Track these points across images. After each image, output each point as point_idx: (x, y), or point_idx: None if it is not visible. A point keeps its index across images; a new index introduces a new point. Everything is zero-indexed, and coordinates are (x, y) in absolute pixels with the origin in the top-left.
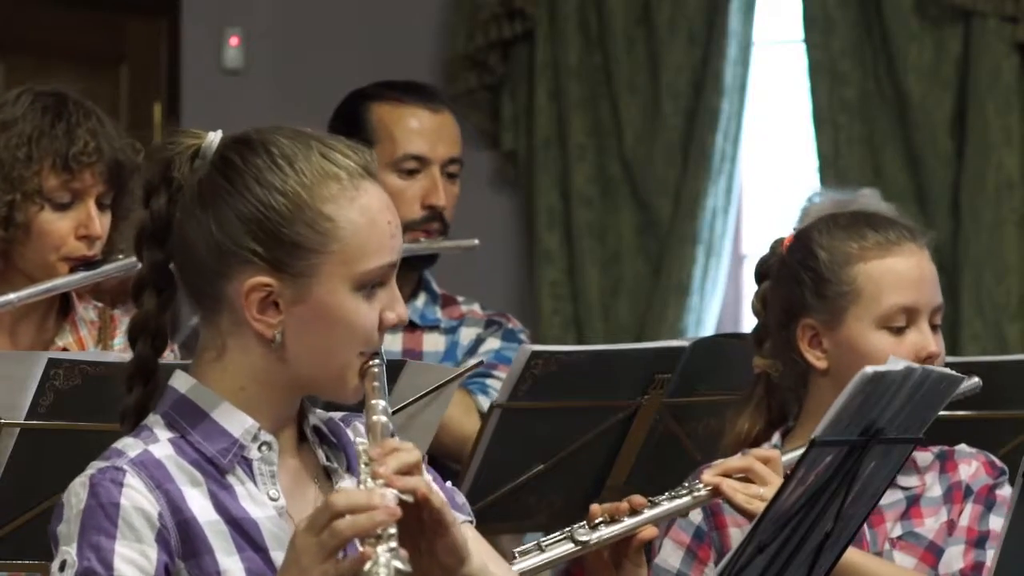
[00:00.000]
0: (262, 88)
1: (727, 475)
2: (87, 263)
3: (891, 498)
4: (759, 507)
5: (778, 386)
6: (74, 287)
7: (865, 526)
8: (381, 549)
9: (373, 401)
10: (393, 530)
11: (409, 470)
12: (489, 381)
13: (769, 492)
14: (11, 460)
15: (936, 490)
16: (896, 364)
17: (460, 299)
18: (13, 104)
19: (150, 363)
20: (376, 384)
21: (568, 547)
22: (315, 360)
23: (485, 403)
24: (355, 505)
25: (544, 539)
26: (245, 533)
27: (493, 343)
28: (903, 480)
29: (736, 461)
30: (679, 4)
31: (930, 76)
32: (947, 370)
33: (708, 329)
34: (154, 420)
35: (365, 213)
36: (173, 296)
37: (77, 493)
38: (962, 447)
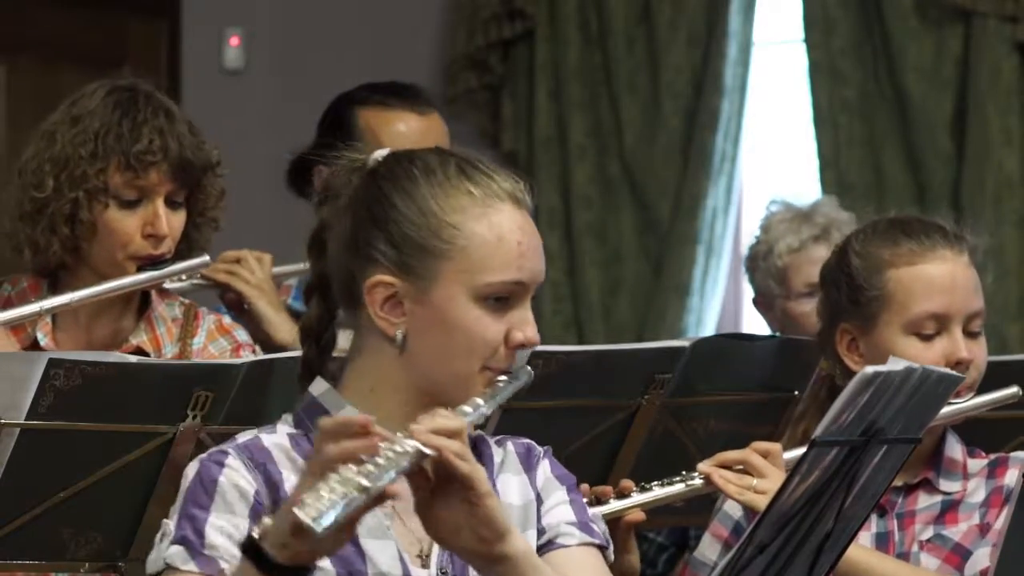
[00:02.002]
0: (262, 88)
1: (725, 466)
2: (154, 262)
3: (927, 502)
4: (751, 498)
5: (840, 388)
6: (137, 287)
7: (896, 528)
8: (344, 471)
9: (467, 407)
10: (384, 466)
11: (447, 434)
12: None
13: (765, 485)
14: (11, 460)
15: (979, 495)
16: (896, 364)
17: None
18: (89, 97)
19: (313, 365)
20: (479, 401)
21: None
22: (435, 363)
23: None
24: (343, 426)
25: None
26: None
27: None
28: (945, 485)
29: (734, 453)
30: (679, 4)
31: (930, 76)
32: (947, 371)
33: (708, 329)
34: (284, 418)
35: (493, 229)
36: (338, 305)
37: (186, 476)
38: (1017, 454)
